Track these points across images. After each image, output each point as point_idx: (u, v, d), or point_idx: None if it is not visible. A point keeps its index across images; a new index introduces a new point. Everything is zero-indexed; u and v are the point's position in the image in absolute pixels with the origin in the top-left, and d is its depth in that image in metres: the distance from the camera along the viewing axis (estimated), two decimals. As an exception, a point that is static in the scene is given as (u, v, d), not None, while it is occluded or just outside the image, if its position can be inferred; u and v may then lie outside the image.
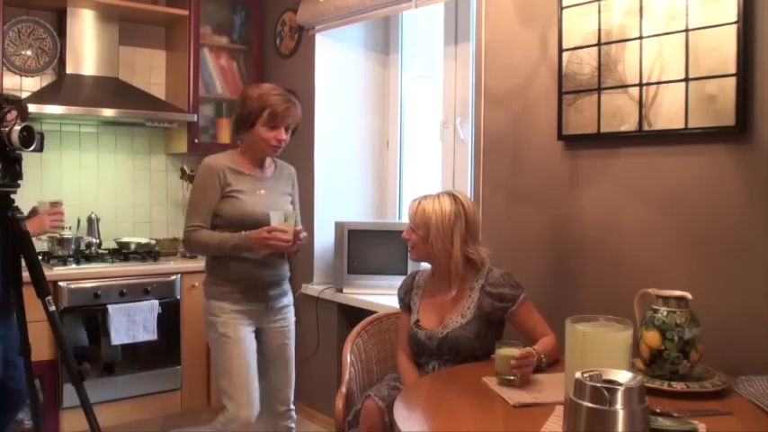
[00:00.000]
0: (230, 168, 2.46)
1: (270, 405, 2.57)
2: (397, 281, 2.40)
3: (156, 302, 3.33)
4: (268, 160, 2.56)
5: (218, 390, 2.48)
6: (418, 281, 2.31)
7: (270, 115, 2.40)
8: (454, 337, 2.10)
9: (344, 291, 3.25)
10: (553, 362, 2.01)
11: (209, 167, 2.46)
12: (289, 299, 2.63)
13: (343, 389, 2.21)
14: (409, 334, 2.21)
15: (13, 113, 2.26)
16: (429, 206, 2.16)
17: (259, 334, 2.54)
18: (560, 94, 2.39)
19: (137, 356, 3.33)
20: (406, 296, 2.30)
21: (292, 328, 2.63)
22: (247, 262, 2.44)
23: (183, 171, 3.91)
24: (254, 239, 2.33)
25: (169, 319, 3.40)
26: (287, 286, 2.63)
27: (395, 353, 2.33)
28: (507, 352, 1.84)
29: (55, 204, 2.85)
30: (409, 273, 2.40)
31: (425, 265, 2.33)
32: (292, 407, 2.63)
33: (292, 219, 2.42)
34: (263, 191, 2.49)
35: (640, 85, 2.16)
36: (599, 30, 2.26)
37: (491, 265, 2.20)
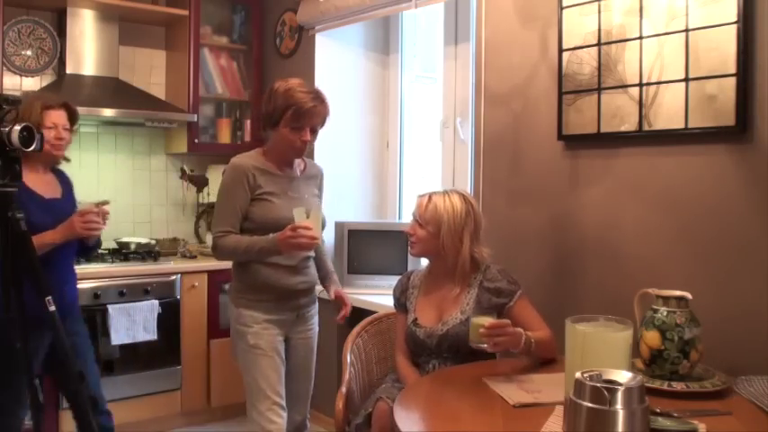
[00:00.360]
0: (259, 169, 2.31)
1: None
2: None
3: (155, 302, 3.34)
4: (297, 159, 2.42)
5: (248, 406, 2.32)
6: (413, 280, 2.29)
7: (294, 114, 2.25)
8: (455, 333, 2.10)
9: (344, 291, 3.24)
10: (549, 360, 2.00)
11: (237, 168, 2.30)
12: (316, 307, 2.53)
13: (343, 389, 2.21)
14: (407, 333, 2.20)
15: (12, 114, 2.25)
16: (440, 203, 2.15)
17: (286, 343, 2.41)
18: (560, 94, 2.39)
19: (136, 356, 3.33)
20: (401, 296, 2.29)
21: (316, 337, 2.52)
22: (279, 268, 2.31)
23: (182, 171, 3.91)
24: (279, 241, 2.18)
25: (169, 319, 3.40)
26: (315, 294, 2.52)
27: (393, 354, 2.31)
28: (479, 320, 1.91)
29: (99, 205, 2.42)
30: (405, 273, 2.37)
31: (425, 263, 2.33)
32: (308, 415, 2.55)
33: (317, 212, 2.25)
34: (294, 193, 2.35)
35: (640, 85, 2.16)
36: (599, 30, 2.26)
37: (491, 262, 2.20)
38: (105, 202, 2.43)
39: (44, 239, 2.29)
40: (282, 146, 2.31)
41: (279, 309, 2.34)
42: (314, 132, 2.33)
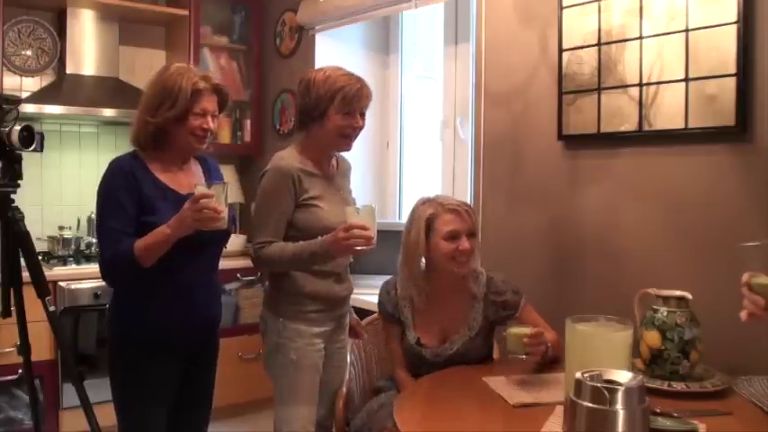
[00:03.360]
0: (303, 170, 2.08)
1: None
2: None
3: (156, 302, 3.31)
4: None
5: (277, 420, 2.13)
6: (401, 292, 2.15)
7: (344, 99, 2.04)
8: (464, 351, 2.07)
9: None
10: (553, 359, 1.99)
11: (282, 172, 2.05)
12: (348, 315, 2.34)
13: (344, 389, 2.20)
14: (410, 352, 2.11)
15: (13, 114, 2.24)
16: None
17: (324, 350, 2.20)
18: (560, 94, 2.39)
19: (137, 356, 3.32)
20: (395, 310, 2.15)
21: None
22: (325, 276, 2.12)
23: (183, 171, 3.90)
24: (331, 243, 1.95)
25: (169, 319, 3.38)
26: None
27: (393, 369, 2.19)
28: (519, 331, 1.87)
29: (210, 187, 1.87)
30: (384, 284, 2.23)
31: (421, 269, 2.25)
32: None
33: (371, 209, 1.97)
34: (336, 192, 2.16)
35: (640, 85, 2.16)
36: (599, 30, 2.26)
37: (488, 270, 2.15)
38: (218, 184, 1.90)
39: (156, 237, 1.86)
40: (329, 138, 2.10)
41: (325, 319, 2.15)
42: (363, 116, 2.12)
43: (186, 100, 1.92)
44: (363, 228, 1.91)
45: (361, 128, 2.12)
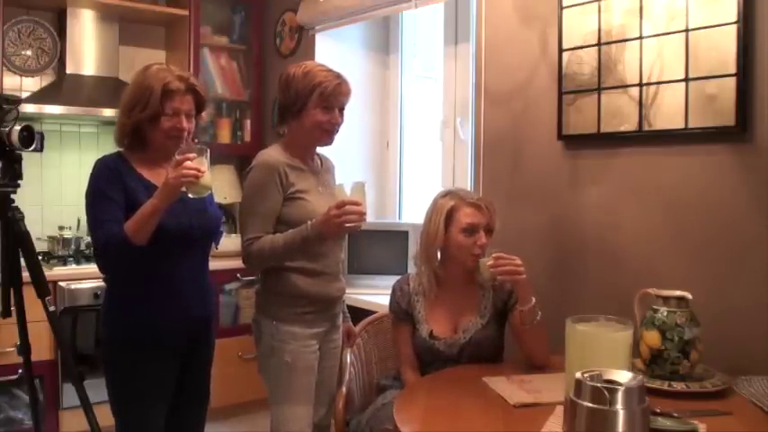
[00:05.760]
0: (289, 165, 2.08)
1: None
2: (398, 281, 2.35)
3: (156, 302, 3.31)
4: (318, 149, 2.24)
5: (273, 418, 2.13)
6: (414, 287, 2.17)
7: (321, 95, 2.05)
8: (477, 339, 2.07)
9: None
10: (539, 366, 1.99)
11: (268, 166, 2.05)
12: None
13: (344, 389, 2.20)
14: (422, 347, 2.10)
15: (13, 113, 2.24)
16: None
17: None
18: (560, 93, 2.39)
19: (137, 356, 3.32)
20: (408, 306, 2.15)
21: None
22: (317, 276, 2.10)
23: (183, 171, 3.90)
24: (323, 224, 1.92)
25: (169, 319, 3.38)
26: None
27: (400, 370, 2.17)
28: (486, 259, 1.98)
29: (192, 150, 1.89)
30: (396, 283, 2.23)
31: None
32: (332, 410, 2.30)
33: (361, 186, 1.98)
34: (322, 188, 2.16)
35: (640, 85, 2.16)
36: (599, 30, 2.26)
37: None
38: (202, 149, 1.91)
39: (143, 210, 1.86)
40: (310, 133, 2.11)
41: (319, 320, 2.14)
42: (341, 112, 2.14)
43: (157, 101, 1.94)
44: (356, 204, 1.91)
45: (339, 124, 2.13)
